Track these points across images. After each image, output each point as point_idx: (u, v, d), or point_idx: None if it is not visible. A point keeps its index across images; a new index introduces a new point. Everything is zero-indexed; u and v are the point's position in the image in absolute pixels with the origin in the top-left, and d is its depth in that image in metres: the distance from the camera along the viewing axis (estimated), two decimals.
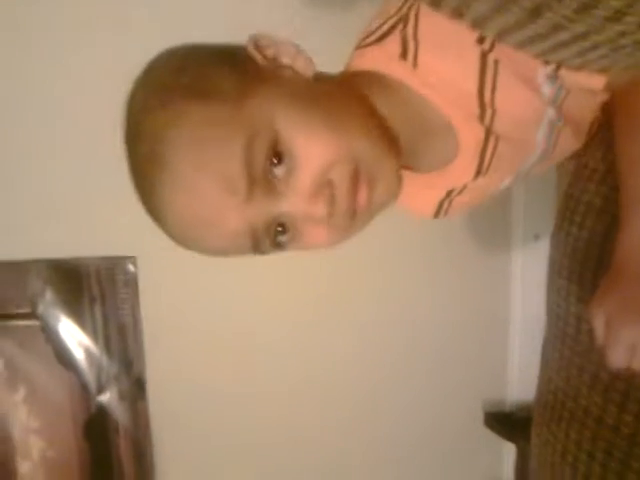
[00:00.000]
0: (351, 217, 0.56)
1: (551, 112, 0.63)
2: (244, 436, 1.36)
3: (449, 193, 0.70)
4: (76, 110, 1.15)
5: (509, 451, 1.50)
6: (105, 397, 1.27)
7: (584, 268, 0.72)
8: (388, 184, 0.57)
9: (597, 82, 0.59)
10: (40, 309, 1.21)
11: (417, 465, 1.48)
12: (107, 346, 1.24)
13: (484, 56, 0.57)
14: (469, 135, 0.62)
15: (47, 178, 1.17)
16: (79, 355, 1.24)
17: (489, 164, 0.65)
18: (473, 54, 0.57)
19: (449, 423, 1.48)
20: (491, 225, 1.40)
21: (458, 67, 0.58)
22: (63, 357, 1.23)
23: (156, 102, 0.53)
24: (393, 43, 0.59)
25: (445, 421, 1.47)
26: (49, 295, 1.20)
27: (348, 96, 0.58)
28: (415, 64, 0.58)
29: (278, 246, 0.57)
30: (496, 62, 0.57)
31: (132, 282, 1.22)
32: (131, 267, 1.21)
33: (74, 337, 1.23)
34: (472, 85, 0.58)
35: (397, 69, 0.59)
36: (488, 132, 0.61)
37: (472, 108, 0.60)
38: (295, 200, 0.53)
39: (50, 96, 1.14)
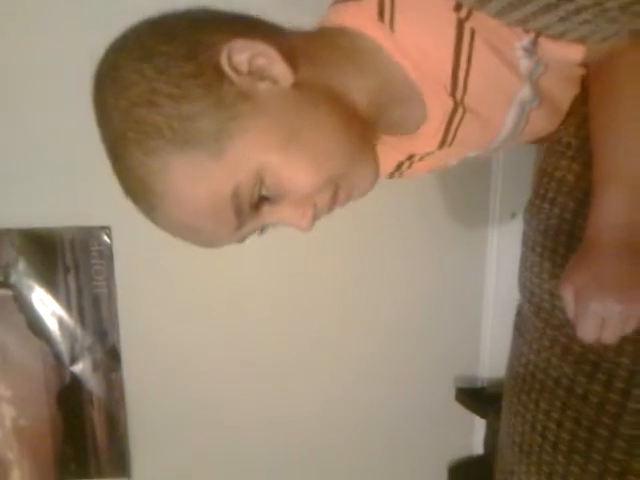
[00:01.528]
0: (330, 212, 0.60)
1: (526, 90, 0.63)
2: (218, 407, 1.36)
3: (410, 157, 0.71)
4: (52, 79, 1.12)
5: (479, 426, 1.53)
6: (79, 367, 1.26)
7: (556, 244, 0.73)
8: (366, 185, 0.61)
9: (575, 52, 0.58)
10: (13, 278, 1.19)
11: (388, 438, 1.50)
12: (81, 316, 1.23)
13: (460, 25, 0.56)
14: (437, 106, 0.62)
15: (22, 147, 1.15)
16: (52, 325, 1.23)
17: (454, 136, 0.65)
18: (449, 23, 0.56)
19: (421, 398, 1.50)
20: (468, 202, 1.41)
21: (434, 38, 0.57)
22: (36, 327, 1.22)
23: (136, 143, 0.52)
24: (371, 3, 0.57)
25: (417, 396, 1.49)
26: (22, 264, 1.18)
27: (327, 100, 0.57)
28: (392, 28, 0.57)
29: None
30: (472, 32, 0.56)
31: (107, 252, 1.21)
32: (106, 237, 1.20)
33: (47, 307, 1.21)
34: (447, 60, 0.58)
35: (374, 30, 0.58)
36: (456, 105, 0.61)
37: (444, 81, 0.60)
38: (281, 219, 0.58)
39: (26, 65, 1.11)
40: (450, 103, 0.61)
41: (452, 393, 1.52)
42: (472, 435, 1.56)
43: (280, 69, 0.54)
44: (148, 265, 1.24)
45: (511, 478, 0.82)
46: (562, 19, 0.51)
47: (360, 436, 1.48)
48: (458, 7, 0.56)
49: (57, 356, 1.25)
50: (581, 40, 0.56)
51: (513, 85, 0.61)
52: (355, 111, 0.59)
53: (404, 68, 0.59)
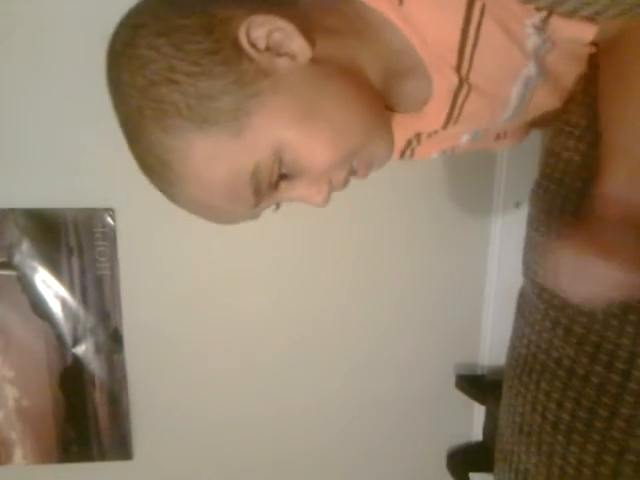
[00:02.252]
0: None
1: (531, 67, 0.62)
2: (220, 389, 1.37)
3: (418, 136, 0.70)
4: (56, 59, 1.12)
5: (479, 413, 1.54)
6: (81, 349, 1.26)
7: (562, 224, 0.73)
8: (384, 158, 0.61)
9: (587, 31, 0.58)
10: (16, 259, 1.19)
11: (388, 425, 1.50)
12: (84, 298, 1.24)
13: (471, 2, 0.55)
14: (442, 82, 0.62)
15: (26, 127, 1.15)
16: (55, 306, 1.23)
17: (459, 113, 0.65)
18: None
19: (421, 385, 1.50)
20: (472, 191, 1.41)
21: (443, 12, 0.57)
22: (39, 308, 1.22)
23: (156, 125, 0.52)
24: None
25: (417, 382, 1.50)
26: (26, 245, 1.19)
27: (343, 74, 0.57)
28: (401, 1, 0.56)
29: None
30: (483, 7, 0.56)
31: (110, 234, 1.21)
32: (109, 219, 1.20)
33: (50, 288, 1.22)
34: (454, 36, 0.58)
35: (382, 2, 0.57)
36: (461, 82, 0.61)
37: (450, 58, 0.59)
38: (298, 195, 0.59)
39: (28, 44, 1.11)
40: (455, 79, 0.61)
41: (452, 380, 1.52)
42: (471, 422, 1.57)
43: (298, 44, 0.53)
44: (151, 247, 1.25)
45: (511, 458, 0.82)
46: None
47: (360, 423, 1.48)
48: None
49: (60, 337, 1.25)
50: (594, 16, 0.55)
51: (519, 62, 0.61)
52: (370, 84, 0.59)
53: (411, 42, 0.58)
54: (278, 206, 0.63)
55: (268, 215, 1.22)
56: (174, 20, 0.51)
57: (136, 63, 0.52)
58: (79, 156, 1.17)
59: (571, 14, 0.55)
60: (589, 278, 0.58)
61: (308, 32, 0.54)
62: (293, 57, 0.54)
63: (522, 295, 0.85)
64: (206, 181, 0.53)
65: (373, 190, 1.28)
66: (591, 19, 0.56)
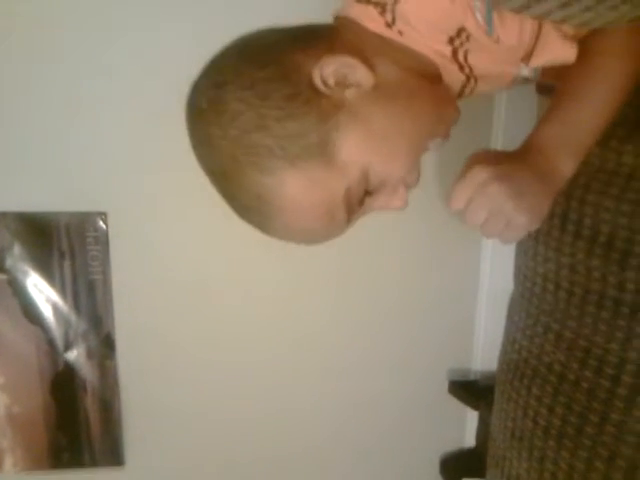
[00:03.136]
0: None
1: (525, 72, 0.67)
2: (213, 395, 1.36)
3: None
4: (49, 61, 1.12)
5: (472, 418, 1.54)
6: (73, 354, 1.26)
7: (550, 227, 0.74)
8: (448, 134, 0.66)
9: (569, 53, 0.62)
10: (8, 263, 1.18)
11: (381, 430, 1.50)
12: (76, 303, 1.23)
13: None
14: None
15: (19, 131, 1.15)
16: (47, 311, 1.22)
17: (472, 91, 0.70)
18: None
19: (414, 390, 1.50)
20: None
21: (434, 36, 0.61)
22: (30, 312, 1.21)
23: (250, 165, 0.57)
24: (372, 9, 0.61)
25: (410, 388, 1.50)
26: (17, 249, 1.18)
27: (402, 86, 0.62)
28: (389, 24, 0.61)
29: None
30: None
31: (102, 238, 1.21)
32: (102, 223, 1.20)
33: (42, 292, 1.21)
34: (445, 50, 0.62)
35: (377, 26, 0.62)
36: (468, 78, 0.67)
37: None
38: (381, 205, 0.66)
39: (25, 50, 1.11)
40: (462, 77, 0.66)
41: (445, 386, 1.52)
42: (464, 427, 1.57)
43: (362, 74, 0.59)
44: (144, 252, 1.24)
45: (502, 463, 0.82)
46: (562, 5, 0.51)
47: (354, 427, 1.48)
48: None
49: (51, 342, 1.24)
50: (582, 26, 0.57)
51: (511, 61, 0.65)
52: (423, 82, 0.63)
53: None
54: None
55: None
56: (254, 73, 0.58)
57: (226, 117, 0.57)
58: (72, 160, 1.17)
59: (561, 22, 0.56)
60: (491, 207, 0.61)
61: (364, 61, 0.60)
62: (359, 86, 0.59)
63: (513, 300, 0.86)
64: (305, 210, 0.59)
65: None
66: (579, 27, 0.57)
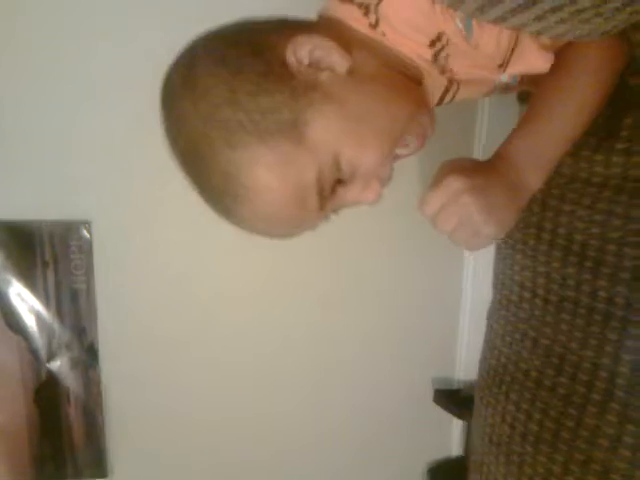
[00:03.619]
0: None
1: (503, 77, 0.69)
2: (198, 404, 1.36)
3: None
4: (34, 65, 1.12)
5: (457, 427, 1.54)
6: (56, 364, 1.25)
7: (526, 236, 0.75)
8: (425, 136, 0.67)
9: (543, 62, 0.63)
10: None
11: (367, 439, 1.50)
12: (59, 312, 1.23)
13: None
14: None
15: (1, 140, 1.15)
16: (30, 320, 1.22)
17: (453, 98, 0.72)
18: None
19: (399, 399, 1.51)
20: None
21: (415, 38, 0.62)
22: (13, 322, 1.21)
23: (221, 140, 0.57)
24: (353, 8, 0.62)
25: (395, 397, 1.50)
26: (0, 258, 1.18)
27: (378, 75, 0.63)
28: (374, 25, 0.61)
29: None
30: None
31: (86, 247, 1.20)
32: (85, 232, 1.20)
33: (25, 302, 1.20)
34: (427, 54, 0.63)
35: (360, 25, 0.63)
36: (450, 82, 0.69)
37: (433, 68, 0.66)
38: (354, 197, 0.64)
39: (10, 53, 1.11)
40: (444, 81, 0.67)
41: (430, 395, 1.53)
42: (450, 436, 1.58)
43: (336, 58, 0.60)
44: (128, 261, 1.24)
45: (481, 468, 0.83)
46: (538, 18, 0.53)
47: (338, 437, 1.48)
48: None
49: (34, 352, 1.24)
50: (556, 38, 0.58)
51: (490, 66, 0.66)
52: (399, 76, 0.64)
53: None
54: (336, 212, 0.67)
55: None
56: (226, 50, 0.58)
57: (198, 92, 0.57)
58: (55, 167, 1.17)
59: (537, 35, 0.58)
60: (462, 217, 0.63)
61: (342, 47, 0.60)
62: (333, 70, 0.60)
63: (492, 308, 0.87)
64: (273, 190, 0.58)
65: (353, 213, 1.30)
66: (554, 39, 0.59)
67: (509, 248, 0.79)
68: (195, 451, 1.39)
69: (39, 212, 1.18)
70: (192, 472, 1.40)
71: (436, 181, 0.63)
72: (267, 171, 0.57)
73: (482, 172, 0.64)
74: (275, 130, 0.56)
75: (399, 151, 0.66)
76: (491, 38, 0.61)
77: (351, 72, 0.60)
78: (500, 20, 0.56)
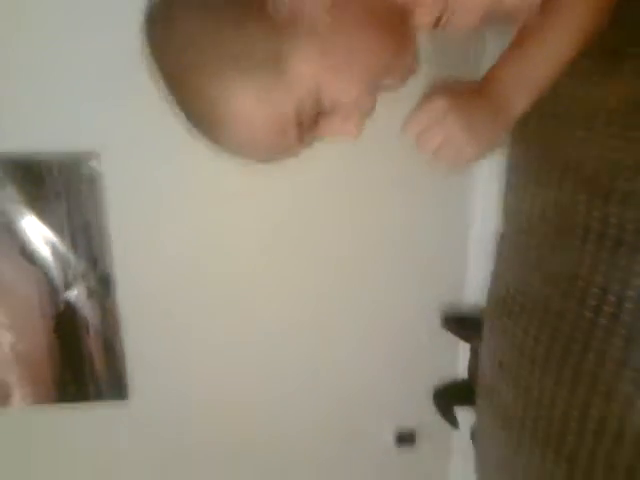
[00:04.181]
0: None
1: None
2: (213, 330, 1.40)
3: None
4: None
5: (464, 351, 1.58)
6: (73, 294, 1.28)
7: (539, 168, 0.75)
8: (407, 76, 0.65)
9: None
10: (2, 205, 1.19)
11: (376, 362, 1.55)
12: (73, 243, 1.24)
13: None
14: None
15: (6, 70, 1.13)
16: (45, 252, 1.24)
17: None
18: None
19: (408, 324, 1.54)
20: None
21: None
22: (28, 253, 1.23)
23: (204, 74, 0.57)
24: None
25: (404, 322, 1.53)
26: (11, 191, 1.18)
27: (361, 9, 0.60)
28: None
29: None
30: None
31: (96, 178, 1.21)
32: (94, 163, 1.20)
33: (39, 233, 1.22)
34: None
35: None
36: None
37: None
38: (335, 130, 0.63)
39: None
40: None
41: (438, 319, 1.55)
42: (457, 360, 1.61)
43: (314, 4, 0.58)
44: (138, 191, 1.25)
45: (491, 393, 0.85)
46: None
47: (350, 361, 1.53)
48: None
49: (51, 282, 1.27)
50: None
51: None
52: (387, 11, 0.62)
53: None
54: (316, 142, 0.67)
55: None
56: None
57: (179, 22, 0.57)
58: (64, 101, 1.16)
59: None
60: (445, 136, 0.63)
61: None
62: (315, 5, 0.58)
63: (501, 236, 0.87)
64: (253, 122, 0.58)
65: (358, 145, 1.28)
66: None
67: (520, 176, 0.78)
68: (211, 377, 1.44)
69: (49, 145, 1.17)
70: (207, 396, 1.45)
71: (422, 101, 0.63)
72: (247, 103, 0.57)
73: (468, 93, 0.64)
74: (255, 63, 0.56)
75: (382, 91, 0.64)
76: None
77: (334, 6, 0.59)
78: None
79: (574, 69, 0.68)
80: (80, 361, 1.34)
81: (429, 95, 0.63)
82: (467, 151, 0.64)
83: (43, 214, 1.21)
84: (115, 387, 1.38)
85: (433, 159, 0.65)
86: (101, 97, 1.17)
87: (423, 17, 0.64)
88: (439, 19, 0.66)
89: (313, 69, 0.57)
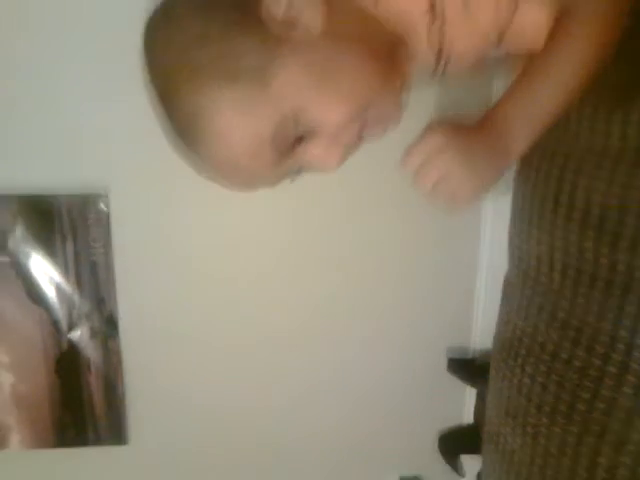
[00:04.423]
0: (356, 151, 0.66)
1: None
2: (216, 374, 1.38)
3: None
4: (48, 38, 1.12)
5: (470, 396, 1.56)
6: (76, 334, 1.28)
7: (543, 210, 0.75)
8: (392, 115, 0.66)
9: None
10: (10, 245, 1.20)
11: (381, 407, 1.52)
12: (78, 283, 1.25)
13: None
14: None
15: (20, 114, 1.15)
16: (50, 292, 1.24)
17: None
18: None
19: (414, 368, 1.52)
20: None
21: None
22: (34, 293, 1.23)
23: (187, 83, 0.58)
24: None
25: (410, 365, 1.51)
26: (19, 230, 1.19)
27: (352, 41, 0.62)
28: None
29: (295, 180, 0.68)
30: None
31: (104, 219, 1.21)
32: (103, 204, 1.21)
33: (45, 273, 1.22)
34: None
35: None
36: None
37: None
38: (313, 157, 0.63)
39: (23, 25, 1.11)
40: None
41: (444, 363, 1.54)
42: (463, 404, 1.59)
43: (311, 19, 0.60)
44: (145, 233, 1.25)
45: (497, 439, 0.84)
46: None
47: (353, 404, 1.50)
48: None
49: (55, 323, 1.26)
50: None
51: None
52: (380, 49, 0.64)
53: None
54: (298, 173, 0.67)
55: (265, 209, 1.21)
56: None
57: (171, 30, 0.59)
58: (73, 141, 1.17)
59: None
60: (443, 173, 0.63)
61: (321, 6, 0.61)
62: (307, 29, 0.60)
63: (508, 281, 0.87)
64: (231, 135, 0.58)
65: (366, 178, 1.29)
66: None
67: (525, 222, 0.79)
68: (212, 423, 1.41)
69: (57, 185, 1.19)
70: (209, 442, 1.43)
71: (421, 134, 0.64)
72: (226, 113, 0.57)
73: (468, 128, 0.65)
74: (239, 74, 0.57)
75: (368, 126, 0.65)
76: (490, 5, 0.62)
77: (326, 33, 0.61)
78: None
79: (581, 107, 0.70)
80: (80, 403, 1.32)
81: (429, 129, 0.63)
82: (465, 188, 0.64)
83: (50, 254, 1.22)
84: (115, 432, 1.35)
85: (431, 195, 0.65)
86: (110, 138, 1.18)
87: (419, 45, 0.66)
88: (438, 60, 0.68)
89: (296, 87, 0.58)
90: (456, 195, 0.65)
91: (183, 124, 0.60)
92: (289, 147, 0.61)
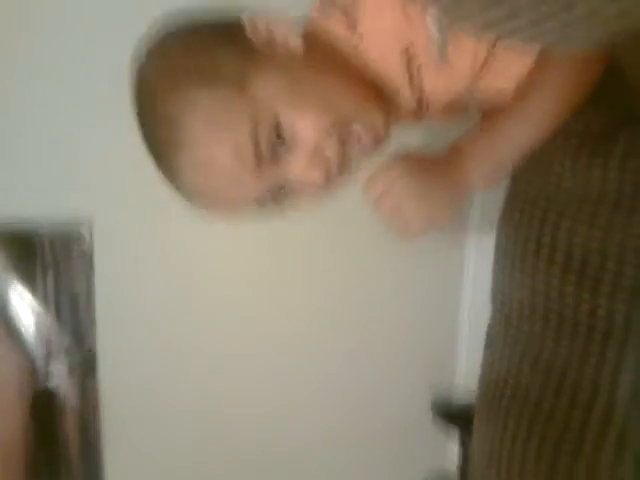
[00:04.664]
0: (342, 172, 0.66)
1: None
2: (198, 416, 1.35)
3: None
4: (30, 67, 1.12)
5: (454, 441, 1.54)
6: (53, 371, 1.24)
7: (525, 251, 0.75)
8: (374, 133, 0.66)
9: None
10: None
11: (364, 452, 1.50)
12: (58, 317, 1.21)
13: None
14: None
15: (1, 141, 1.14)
16: (29, 325, 1.20)
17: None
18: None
19: (397, 413, 1.50)
20: None
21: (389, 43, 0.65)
22: (11, 327, 1.20)
23: (168, 88, 0.60)
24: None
25: (393, 411, 1.50)
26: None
27: (333, 65, 0.65)
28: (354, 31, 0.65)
29: (280, 205, 0.68)
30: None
31: (87, 250, 1.20)
32: (87, 236, 1.19)
33: (24, 306, 1.19)
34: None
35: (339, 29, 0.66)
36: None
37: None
38: (297, 167, 0.63)
39: (9, 55, 1.11)
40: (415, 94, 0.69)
41: (428, 408, 1.52)
42: (446, 450, 1.57)
43: (294, 42, 0.63)
44: (128, 266, 1.23)
45: None
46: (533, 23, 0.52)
47: (337, 449, 1.48)
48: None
49: (32, 360, 1.23)
50: (548, 47, 0.59)
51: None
52: (361, 74, 0.66)
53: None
54: (281, 194, 0.67)
55: (252, 236, 1.20)
56: (194, 26, 0.65)
57: (159, 49, 0.63)
58: (55, 170, 1.16)
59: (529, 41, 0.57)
60: (395, 202, 0.65)
61: (304, 32, 0.64)
62: (288, 50, 0.63)
63: (491, 325, 0.86)
64: (209, 135, 0.60)
65: (345, 215, 1.30)
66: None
67: (507, 265, 0.79)
68: (196, 465, 1.37)
69: (40, 215, 1.16)
70: None
71: (380, 166, 0.66)
72: (204, 116, 0.59)
73: (427, 163, 0.67)
74: (218, 79, 0.59)
75: (349, 142, 0.66)
76: (467, 53, 0.63)
77: (306, 55, 0.64)
78: (488, 27, 0.56)
79: (563, 152, 0.71)
80: (55, 447, 1.27)
81: (388, 161, 0.65)
82: (417, 218, 0.66)
83: (29, 285, 1.19)
84: (91, 476, 1.31)
85: (386, 223, 0.67)
86: (93, 166, 1.17)
87: (401, 89, 0.68)
88: (419, 104, 0.69)
89: (274, 93, 0.60)
90: (408, 225, 0.66)
91: (164, 132, 0.61)
92: (270, 152, 0.61)
